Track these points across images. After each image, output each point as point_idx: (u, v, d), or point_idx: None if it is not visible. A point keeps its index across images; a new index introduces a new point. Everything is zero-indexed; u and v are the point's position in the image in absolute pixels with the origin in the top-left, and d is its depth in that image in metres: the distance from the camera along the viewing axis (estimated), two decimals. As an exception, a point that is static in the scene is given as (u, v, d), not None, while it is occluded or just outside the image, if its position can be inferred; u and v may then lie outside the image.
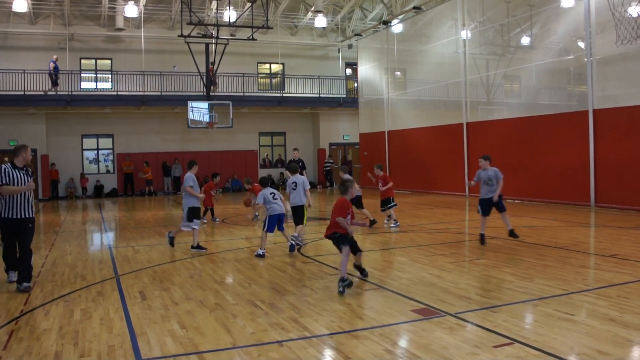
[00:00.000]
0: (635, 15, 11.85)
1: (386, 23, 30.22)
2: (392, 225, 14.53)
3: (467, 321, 6.25)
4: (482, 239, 11.28)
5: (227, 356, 5.38)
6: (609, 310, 6.55)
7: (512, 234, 11.20)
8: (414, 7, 27.47)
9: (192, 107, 28.53)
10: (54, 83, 28.76)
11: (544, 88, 24.79)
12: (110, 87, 31.50)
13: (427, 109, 28.01)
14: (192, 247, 11.73)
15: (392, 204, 14.67)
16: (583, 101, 19.36)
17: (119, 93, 30.30)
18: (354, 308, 6.88)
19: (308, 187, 11.97)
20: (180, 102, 29.63)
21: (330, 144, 36.19)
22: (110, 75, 31.64)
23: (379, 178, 14.90)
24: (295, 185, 11.76)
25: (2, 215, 8.30)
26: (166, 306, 7.22)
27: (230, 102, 29.22)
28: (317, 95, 34.29)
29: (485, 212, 11.19)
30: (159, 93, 30.70)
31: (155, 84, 30.81)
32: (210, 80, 29.12)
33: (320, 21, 32.22)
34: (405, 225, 14.94)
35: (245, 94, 32.41)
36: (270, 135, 35.87)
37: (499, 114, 24.97)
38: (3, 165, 8.29)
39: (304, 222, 11.98)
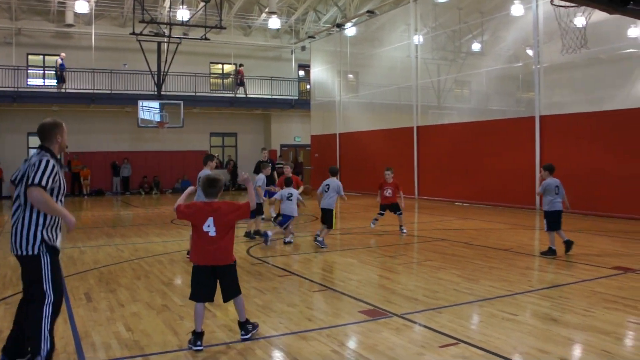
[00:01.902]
0: (580, 25, 12.18)
1: (340, 26, 30.37)
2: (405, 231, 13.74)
3: (414, 322, 6.32)
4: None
5: (173, 358, 5.31)
6: (551, 310, 6.71)
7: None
8: (368, 11, 27.69)
9: (142, 106, 28.14)
10: (60, 80, 28.18)
11: (494, 94, 25.23)
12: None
13: (378, 112, 28.24)
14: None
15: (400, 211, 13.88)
16: (530, 107, 19.81)
17: (67, 90, 29.64)
18: (302, 309, 6.88)
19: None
20: (131, 101, 29.15)
21: (282, 145, 36.13)
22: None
23: (389, 185, 13.75)
24: (328, 188, 11.76)
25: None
26: (112, 308, 7.09)
27: (182, 102, 28.94)
28: (270, 97, 34.20)
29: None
30: (109, 91, 30.16)
31: (105, 82, 30.25)
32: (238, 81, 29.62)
33: (274, 22, 32.18)
34: (355, 227, 15.03)
35: (197, 94, 32.13)
36: (221, 135, 35.61)
37: (449, 118, 25.36)
38: (45, 158, 4.81)
39: (333, 226, 12.02)
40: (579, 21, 12.06)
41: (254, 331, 5.82)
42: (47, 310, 4.73)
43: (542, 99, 19.00)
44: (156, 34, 27.23)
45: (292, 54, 36.24)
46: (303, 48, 35.40)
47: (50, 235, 4.81)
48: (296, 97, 35.46)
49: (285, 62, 36.23)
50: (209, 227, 5.59)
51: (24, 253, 4.73)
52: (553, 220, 10.41)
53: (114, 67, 30.45)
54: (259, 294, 7.64)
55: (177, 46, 27.83)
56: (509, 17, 21.56)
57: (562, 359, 5.15)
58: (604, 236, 13.14)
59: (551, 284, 8.25)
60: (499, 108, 24.53)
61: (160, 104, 28.51)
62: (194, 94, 31.92)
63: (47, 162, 4.73)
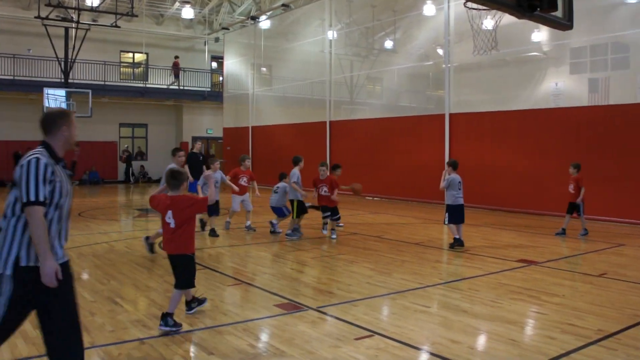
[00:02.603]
0: (490, 27, 12.60)
1: (254, 18, 30.17)
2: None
3: (329, 315, 6.38)
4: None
5: (85, 356, 5.13)
6: (460, 302, 6.94)
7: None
8: (283, 5, 27.62)
9: (48, 94, 26.94)
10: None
11: (405, 91, 25.79)
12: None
13: (291, 106, 28.28)
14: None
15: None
16: (440, 105, 20.36)
17: (-35, 76, 28.07)
18: (217, 304, 6.81)
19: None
20: (36, 88, 27.85)
21: (193, 138, 35.56)
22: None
23: (323, 182, 12.21)
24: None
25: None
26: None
27: (90, 91, 27.93)
28: (182, 88, 33.58)
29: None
30: (11, 77, 28.75)
31: (7, 67, 28.82)
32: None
33: (188, 12, 31.59)
34: (268, 221, 15.00)
35: (106, 83, 31.13)
36: (131, 126, 34.66)
37: (362, 113, 25.71)
38: (36, 155, 3.77)
39: (293, 215, 12.26)
40: (490, 23, 12.48)
41: (173, 328, 5.74)
42: None
43: (451, 97, 19.56)
44: (63, 19, 26.17)
45: (205, 45, 35.69)
46: (217, 39, 34.94)
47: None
48: (209, 89, 34.98)
49: (198, 53, 35.64)
50: (170, 219, 5.87)
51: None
52: (455, 214, 10.80)
53: (17, 52, 29.04)
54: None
55: (86, 33, 26.84)
56: (421, 16, 22.06)
57: (472, 348, 5.34)
58: (509, 230, 13.68)
59: (460, 276, 8.53)
60: (409, 105, 25.10)
61: (67, 92, 27.40)
62: (103, 83, 30.91)
63: (37, 162, 3.71)
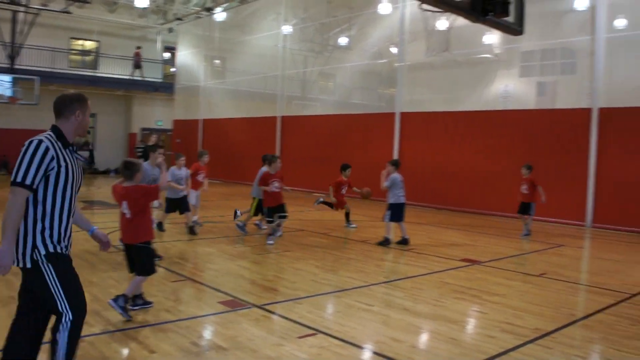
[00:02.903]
0: (444, 29, 12.79)
1: (209, 10, 29.84)
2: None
3: (273, 312, 6.38)
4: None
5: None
6: (403, 300, 7.02)
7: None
8: (239, -3, 27.43)
9: (-8, 79, 26.25)
10: None
11: (357, 88, 25.93)
12: None
13: (244, 100, 28.13)
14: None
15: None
16: (391, 103, 20.54)
17: None
18: (161, 300, 6.73)
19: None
20: (-21, 73, 27.08)
21: (143, 129, 35.01)
22: None
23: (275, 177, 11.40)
24: None
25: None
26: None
27: (38, 78, 27.25)
28: (133, 78, 32.98)
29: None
30: (-48, 60, 27.85)
31: (-52, 50, 27.89)
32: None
33: (142, 1, 30.95)
34: (215, 217, 14.92)
35: (55, 70, 30.37)
36: (79, 116, 33.89)
37: (313, 109, 25.77)
38: (40, 137, 3.79)
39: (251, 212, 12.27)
40: (443, 24, 12.66)
41: (122, 312, 5.85)
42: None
43: (403, 96, 19.76)
44: (11, 2, 25.44)
45: (158, 35, 35.15)
46: (170, 30, 34.33)
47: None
48: (160, 80, 34.47)
49: (150, 43, 35.04)
50: (125, 209, 6.05)
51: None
52: (397, 213, 10.96)
53: (-41, 35, 28.13)
54: (116, 285, 7.35)
55: (35, 17, 26.15)
56: (377, 14, 22.17)
57: (413, 347, 5.42)
58: (454, 230, 13.90)
59: (404, 275, 8.63)
60: (361, 102, 25.26)
61: (12, 78, 26.68)
62: (51, 69, 30.15)
63: (37, 145, 3.66)
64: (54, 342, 3.76)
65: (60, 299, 3.72)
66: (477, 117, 17.71)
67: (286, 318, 6.18)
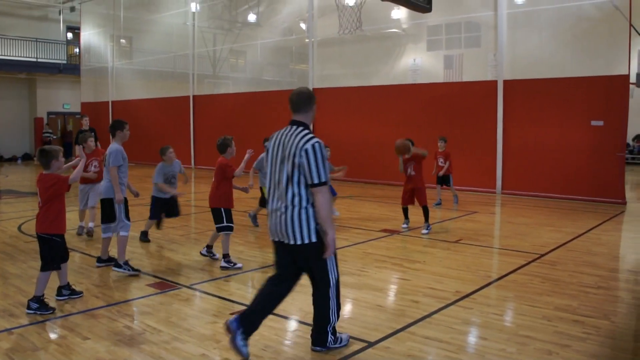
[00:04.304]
0: (352, 4, 12.92)
1: (112, -12, 28.93)
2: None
3: (203, 292, 6.46)
4: None
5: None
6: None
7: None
8: (143, -25, 26.73)
9: None
10: None
11: (268, 65, 25.83)
12: None
13: (154, 80, 27.58)
14: None
15: None
16: (304, 79, 20.68)
17: None
18: (88, 287, 6.66)
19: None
20: None
21: (49, 113, 33.77)
22: None
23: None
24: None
25: None
26: None
27: None
28: (35, 60, 31.62)
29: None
30: None
31: None
32: None
33: (39, -22, 29.74)
34: (133, 199, 14.66)
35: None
36: (-22, 101, 32.35)
37: (225, 88, 25.58)
38: (316, 138, 4.48)
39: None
40: (353, 1, 12.80)
41: (38, 312, 5.67)
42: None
43: (315, 72, 19.93)
44: None
45: (60, 14, 33.76)
46: (72, 9, 33.00)
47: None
48: (64, 62, 33.20)
49: (52, 23, 33.65)
50: (39, 197, 5.88)
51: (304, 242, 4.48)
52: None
53: None
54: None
55: None
56: (285, -9, 22.15)
57: (341, 316, 5.63)
58: (372, 202, 14.28)
59: (328, 248, 8.84)
60: (273, 79, 25.22)
61: None
62: (-57, 53, 28.55)
63: (320, 146, 4.37)
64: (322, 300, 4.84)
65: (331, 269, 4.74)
66: (389, 91, 18.13)
67: (217, 296, 6.27)
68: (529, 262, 7.87)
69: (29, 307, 5.70)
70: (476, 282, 6.84)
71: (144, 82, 27.82)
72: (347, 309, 5.96)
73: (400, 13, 18.55)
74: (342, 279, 6.88)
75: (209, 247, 8.09)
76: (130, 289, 6.61)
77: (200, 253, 8.16)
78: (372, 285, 6.71)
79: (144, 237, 9.53)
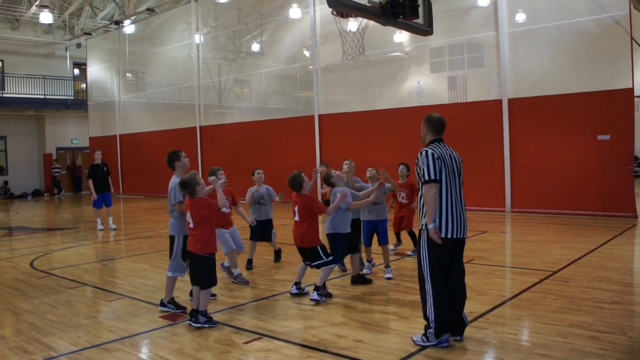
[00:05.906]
0: (355, 30, 13.02)
1: (118, 23, 29.31)
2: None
3: (217, 322, 6.45)
4: None
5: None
6: (342, 299, 7.20)
7: None
8: (147, 9, 27.03)
9: None
10: None
11: (273, 93, 26.02)
12: None
13: (160, 112, 27.82)
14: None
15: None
16: (309, 106, 20.82)
17: None
18: (101, 320, 6.68)
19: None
20: None
21: (58, 149, 34.02)
22: None
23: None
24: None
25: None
26: None
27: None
28: (43, 97, 31.92)
29: None
30: None
31: None
32: None
33: (46, 17, 29.96)
34: (143, 231, 14.74)
35: (-43, 94, 29.11)
36: (-12, 139, 32.59)
37: (231, 117, 25.78)
38: (424, 150, 5.59)
39: None
40: (355, 26, 12.89)
41: (203, 325, 6.16)
42: None
43: (319, 98, 20.07)
44: None
45: (66, 51, 34.19)
46: (79, 45, 33.44)
47: None
48: (72, 97, 33.54)
49: (59, 60, 34.05)
50: (190, 220, 6.46)
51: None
52: None
53: None
54: (52, 309, 7.22)
55: None
56: (287, 19, 22.36)
57: (360, 340, 5.61)
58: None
59: (337, 274, 8.83)
60: (279, 107, 25.40)
61: None
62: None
63: (426, 153, 5.45)
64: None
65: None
66: (394, 114, 18.20)
67: (229, 325, 6.26)
68: (542, 280, 7.82)
69: (197, 321, 6.18)
70: (489, 301, 6.81)
71: (151, 114, 28.07)
72: (361, 332, 5.93)
73: (402, 37, 18.70)
74: (359, 299, 6.90)
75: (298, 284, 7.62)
76: (143, 322, 6.59)
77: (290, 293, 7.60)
78: (382, 310, 6.68)
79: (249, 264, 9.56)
